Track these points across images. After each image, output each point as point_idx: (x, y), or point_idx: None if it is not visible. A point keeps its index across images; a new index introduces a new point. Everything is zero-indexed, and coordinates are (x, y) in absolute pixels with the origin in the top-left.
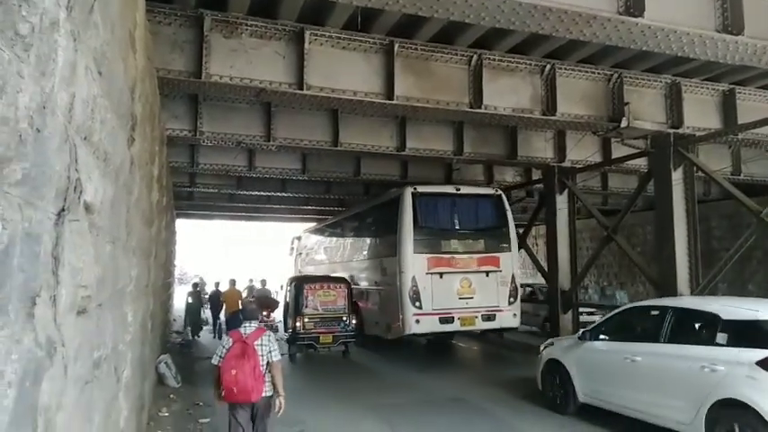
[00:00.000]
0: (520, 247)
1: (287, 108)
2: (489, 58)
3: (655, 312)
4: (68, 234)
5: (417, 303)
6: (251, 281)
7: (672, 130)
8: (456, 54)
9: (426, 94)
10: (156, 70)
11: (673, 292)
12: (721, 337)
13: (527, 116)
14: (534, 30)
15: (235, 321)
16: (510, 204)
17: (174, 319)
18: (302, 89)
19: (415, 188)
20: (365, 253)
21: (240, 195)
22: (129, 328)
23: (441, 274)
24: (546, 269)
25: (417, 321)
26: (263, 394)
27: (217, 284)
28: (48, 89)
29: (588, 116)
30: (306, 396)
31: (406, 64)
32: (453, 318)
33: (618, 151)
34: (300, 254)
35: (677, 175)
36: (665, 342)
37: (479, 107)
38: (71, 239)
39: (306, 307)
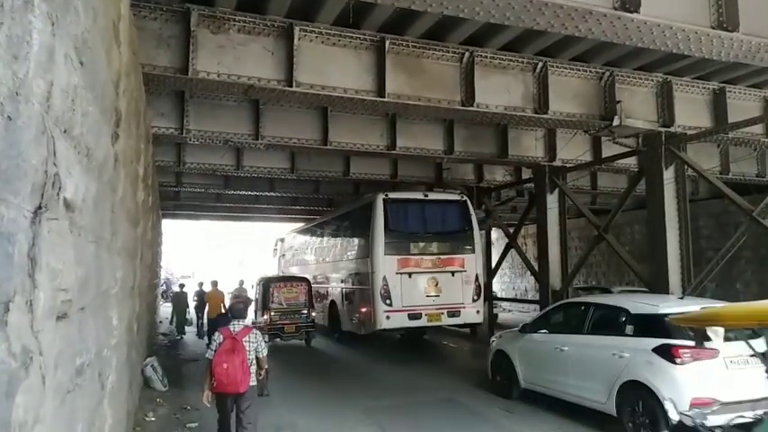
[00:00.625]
0: (510, 247)
1: (276, 106)
2: (481, 56)
3: (581, 308)
4: (46, 233)
5: (388, 301)
6: (241, 282)
7: (663, 129)
8: (448, 51)
9: (418, 91)
10: (141, 66)
11: (665, 291)
12: (629, 328)
13: (519, 114)
14: (529, 25)
15: (218, 323)
16: (500, 204)
17: (161, 321)
18: (291, 86)
19: (386, 194)
20: (342, 254)
21: (228, 195)
22: (114, 331)
23: (409, 274)
24: (536, 269)
25: (388, 317)
26: (250, 384)
27: (200, 285)
28: (21, 74)
29: (580, 114)
30: (295, 397)
31: (398, 61)
32: (421, 314)
33: (608, 150)
34: (284, 255)
35: (668, 174)
36: (587, 333)
37: (471, 105)
38: (50, 239)
39: (272, 302)
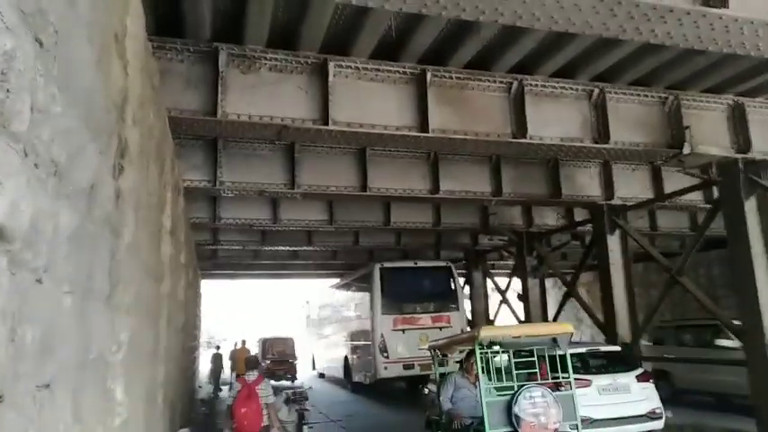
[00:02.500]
0: (568, 296)
1: (311, 153)
2: (531, 84)
3: None
4: None
5: (385, 353)
6: (243, 342)
7: (740, 155)
8: (494, 81)
9: (464, 125)
10: (168, 110)
11: (761, 340)
12: None
13: (577, 146)
14: (598, 32)
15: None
16: (552, 250)
17: (200, 386)
18: (327, 125)
19: (382, 264)
20: (350, 315)
21: (265, 252)
22: (117, 408)
23: (403, 330)
24: (602, 320)
25: (385, 368)
26: (262, 424)
27: (217, 347)
28: None
29: (645, 143)
30: None
31: (441, 93)
32: (414, 364)
33: (670, 186)
34: (308, 315)
35: (750, 205)
36: None
37: (523, 137)
38: None
39: (268, 354)
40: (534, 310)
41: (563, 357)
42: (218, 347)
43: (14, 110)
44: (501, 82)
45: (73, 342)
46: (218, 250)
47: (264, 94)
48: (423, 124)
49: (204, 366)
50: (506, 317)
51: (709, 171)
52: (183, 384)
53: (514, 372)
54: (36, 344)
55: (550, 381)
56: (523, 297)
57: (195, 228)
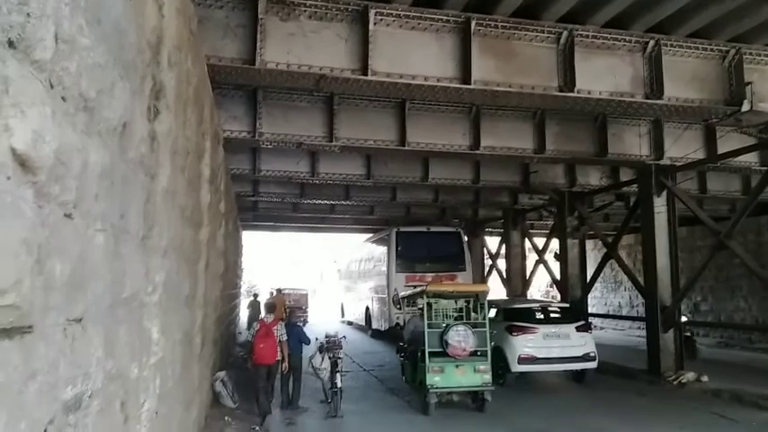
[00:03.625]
0: (608, 258)
1: (350, 105)
2: (581, 35)
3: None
4: None
5: (398, 306)
6: (256, 295)
7: None
8: (543, 31)
9: (508, 77)
10: (207, 57)
11: None
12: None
13: (628, 101)
14: None
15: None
16: (594, 210)
17: (240, 332)
18: (366, 75)
19: (398, 228)
20: (371, 272)
21: (304, 204)
22: (153, 347)
23: (414, 287)
24: (642, 282)
25: (397, 318)
26: (276, 358)
27: (255, 296)
28: None
29: (700, 100)
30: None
31: (485, 44)
32: None
33: (723, 146)
34: (339, 270)
35: None
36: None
37: (571, 91)
38: None
39: (286, 302)
40: (572, 271)
41: (482, 306)
42: (255, 295)
43: (36, 36)
44: (550, 32)
45: (106, 280)
46: (259, 202)
47: (303, 42)
48: (465, 76)
49: (244, 314)
50: (543, 277)
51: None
52: (222, 329)
53: (449, 314)
54: (66, 278)
55: (471, 321)
56: (561, 257)
57: (236, 179)
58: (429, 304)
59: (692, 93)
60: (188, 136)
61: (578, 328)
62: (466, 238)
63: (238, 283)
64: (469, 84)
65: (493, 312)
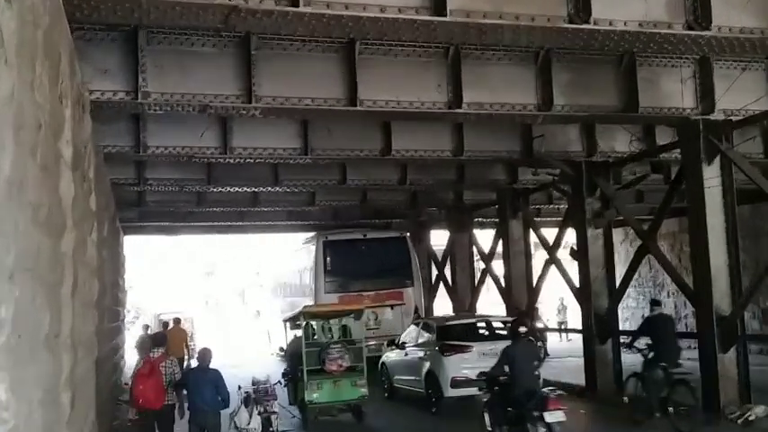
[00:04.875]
0: (644, 252)
1: (275, 51)
2: None
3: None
4: None
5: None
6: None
7: None
8: None
9: (499, 4)
10: None
11: None
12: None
13: (664, 33)
14: None
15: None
16: (622, 187)
17: (126, 383)
18: (297, 5)
19: (325, 237)
20: (299, 290)
21: (213, 194)
22: (1, 413)
23: None
24: (691, 284)
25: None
26: (165, 402)
27: (146, 327)
28: None
29: (762, 29)
30: None
31: None
32: None
33: None
34: (261, 285)
35: None
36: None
37: (585, 21)
38: None
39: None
40: (595, 272)
41: (359, 324)
42: (146, 327)
43: None
44: None
45: None
46: (146, 193)
47: None
48: (438, 5)
49: (132, 355)
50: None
51: None
52: (101, 380)
53: (327, 333)
54: None
55: (347, 339)
56: (580, 253)
57: (111, 160)
58: (308, 324)
59: (751, 19)
60: (39, 102)
61: None
62: (411, 244)
63: (121, 313)
64: (444, 14)
65: (426, 335)
